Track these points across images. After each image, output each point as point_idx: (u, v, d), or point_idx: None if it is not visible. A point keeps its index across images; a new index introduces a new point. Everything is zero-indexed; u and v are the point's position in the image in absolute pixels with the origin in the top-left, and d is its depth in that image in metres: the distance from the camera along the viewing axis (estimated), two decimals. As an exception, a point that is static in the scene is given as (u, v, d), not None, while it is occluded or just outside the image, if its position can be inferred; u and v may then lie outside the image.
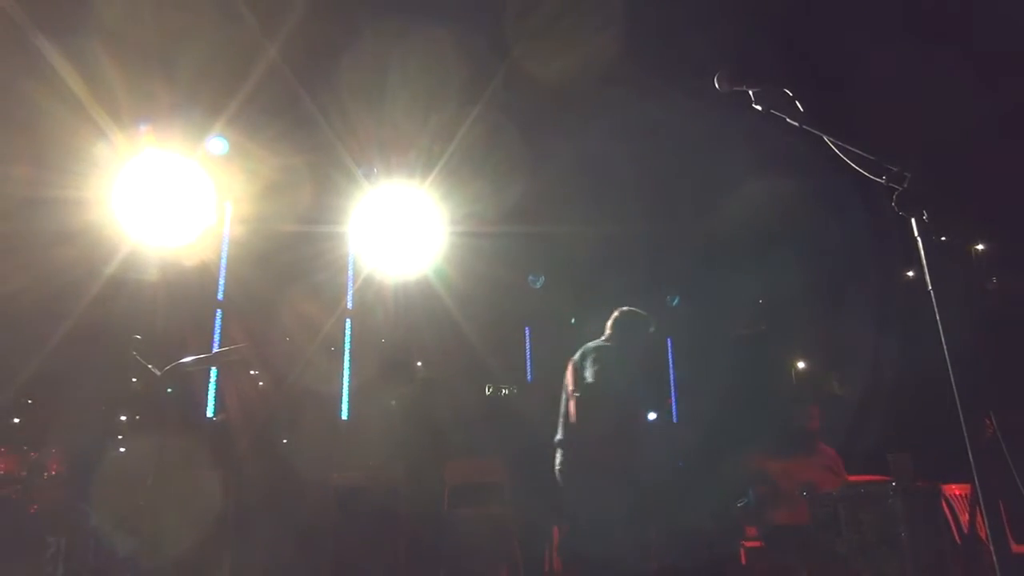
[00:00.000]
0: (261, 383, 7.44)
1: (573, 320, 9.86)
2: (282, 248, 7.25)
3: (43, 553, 5.17)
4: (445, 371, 8.48)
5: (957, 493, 5.53)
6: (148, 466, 5.42)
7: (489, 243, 8.00)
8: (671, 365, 10.62)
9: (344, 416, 7.75)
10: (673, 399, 10.49)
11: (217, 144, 6.60)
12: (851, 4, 6.07)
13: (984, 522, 2.09)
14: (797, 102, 2.41)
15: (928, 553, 4.51)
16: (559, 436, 4.93)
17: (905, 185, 2.19)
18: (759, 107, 2.46)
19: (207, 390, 6.81)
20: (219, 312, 7.10)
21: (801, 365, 12.48)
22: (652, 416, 8.97)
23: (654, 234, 8.77)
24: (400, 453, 6.76)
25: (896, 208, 2.20)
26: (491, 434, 7.90)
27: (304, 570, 5.86)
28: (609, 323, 5.17)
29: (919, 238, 2.19)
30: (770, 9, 5.85)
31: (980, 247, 8.72)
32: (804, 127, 2.39)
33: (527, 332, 9.94)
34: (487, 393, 9.33)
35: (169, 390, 6.57)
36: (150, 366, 4.78)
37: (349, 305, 8.05)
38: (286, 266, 7.32)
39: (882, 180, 2.24)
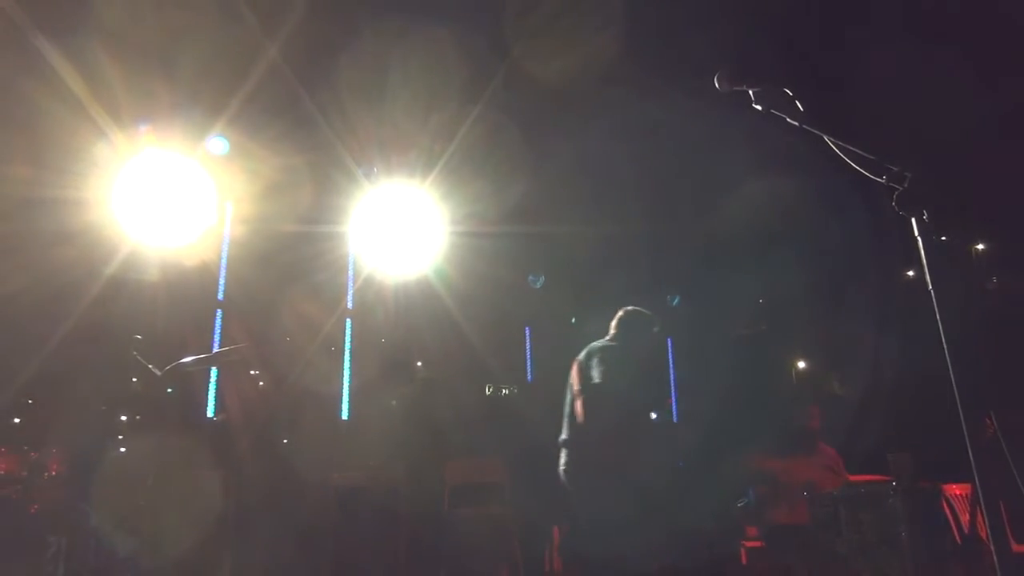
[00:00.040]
0: (261, 383, 7.44)
1: (573, 320, 9.86)
2: (282, 248, 7.25)
3: (44, 553, 5.17)
4: (445, 371, 8.48)
5: (957, 493, 5.53)
6: (148, 466, 5.43)
7: (489, 243, 8.00)
8: (671, 365, 10.62)
9: (344, 416, 7.75)
10: (673, 399, 10.49)
11: (217, 144, 6.61)
12: (851, 4, 6.07)
13: (984, 522, 2.09)
14: (797, 102, 2.41)
15: (928, 553, 4.51)
16: (564, 436, 4.92)
17: (905, 185, 2.19)
18: (759, 107, 2.46)
19: (207, 390, 6.81)
20: (219, 312, 7.10)
21: (801, 365, 12.48)
22: (653, 416, 8.97)
23: (654, 234, 8.77)
24: (400, 453, 6.76)
25: (896, 208, 2.20)
26: (491, 434, 7.90)
27: (304, 570, 5.86)
28: (614, 323, 5.16)
29: (919, 238, 2.19)
30: (770, 9, 5.85)
31: (980, 247, 8.73)
32: (804, 127, 2.39)
33: (527, 332, 9.94)
34: (487, 393, 9.33)
35: (169, 390, 6.60)
36: (150, 366, 4.78)
37: (349, 305, 8.05)
38: (286, 266, 7.32)
39: (882, 180, 2.24)
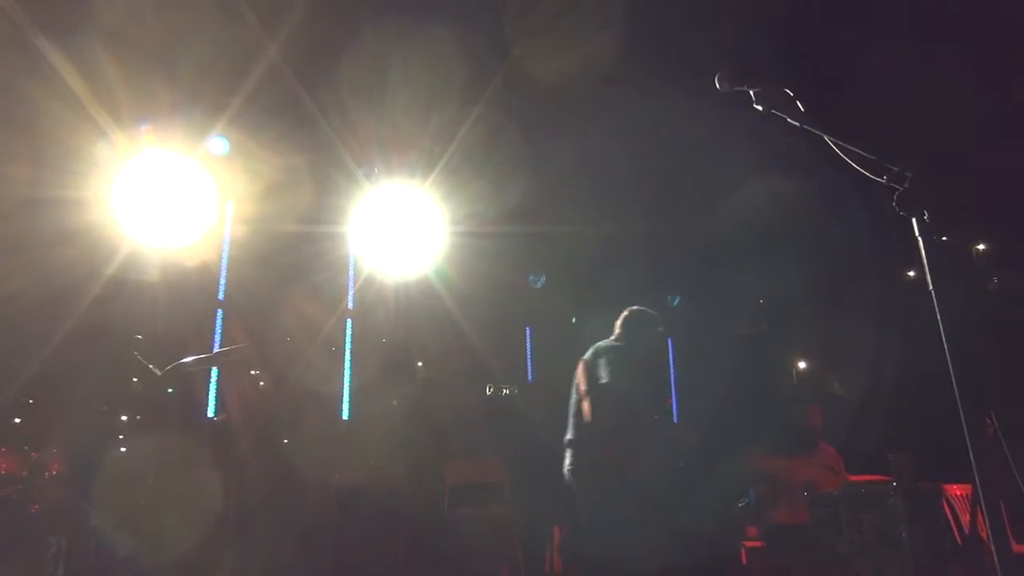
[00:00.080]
0: (262, 383, 7.44)
1: (574, 320, 9.86)
2: (283, 248, 7.25)
3: (44, 553, 5.17)
4: (446, 371, 8.48)
5: (958, 493, 5.52)
6: (149, 466, 5.43)
7: (490, 243, 8.00)
8: (672, 365, 10.62)
9: (345, 416, 7.76)
10: (674, 399, 10.49)
11: (218, 144, 6.61)
12: (851, 4, 6.07)
13: (985, 522, 2.09)
14: (798, 102, 2.41)
15: (929, 553, 4.51)
16: (570, 436, 4.90)
17: (906, 185, 2.19)
18: (760, 107, 2.46)
19: (208, 390, 6.81)
20: (220, 312, 7.10)
21: (802, 365, 12.48)
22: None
23: (655, 234, 8.77)
24: (401, 453, 6.76)
25: (897, 208, 2.20)
26: (492, 434, 7.90)
27: (305, 570, 5.86)
28: (618, 323, 5.15)
29: (920, 238, 2.19)
30: (770, 9, 5.85)
31: (981, 247, 8.73)
32: (805, 127, 2.39)
33: (528, 332, 9.94)
34: (488, 393, 9.33)
35: (170, 390, 6.60)
36: (151, 366, 4.77)
37: (350, 305, 8.06)
38: (287, 266, 7.32)
39: (883, 180, 2.24)
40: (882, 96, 6.32)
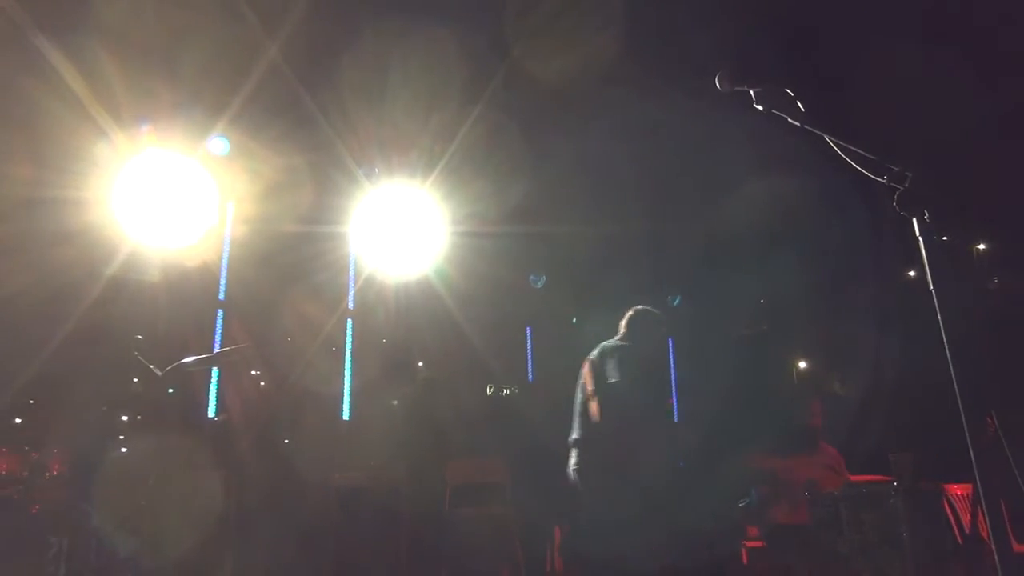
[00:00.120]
0: (262, 383, 7.44)
1: (574, 320, 9.86)
2: (283, 248, 7.25)
3: (45, 553, 5.17)
4: (446, 371, 8.48)
5: (959, 493, 5.52)
6: (150, 466, 5.43)
7: (490, 243, 8.00)
8: (672, 365, 10.61)
9: (345, 416, 7.76)
10: (674, 399, 10.49)
11: (218, 144, 6.60)
12: (852, 4, 6.07)
13: (986, 522, 2.09)
14: (798, 102, 2.41)
15: (929, 553, 4.51)
16: (576, 435, 4.86)
17: (906, 185, 2.19)
18: (760, 107, 2.47)
19: (208, 390, 6.81)
20: (220, 312, 7.10)
21: (803, 365, 12.48)
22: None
23: (655, 234, 8.77)
24: (401, 453, 6.76)
25: (897, 208, 2.20)
26: (492, 434, 7.90)
27: (306, 570, 5.86)
28: (623, 322, 5.13)
29: (920, 238, 2.19)
30: (771, 9, 5.85)
31: (981, 247, 8.73)
32: (805, 127, 2.39)
33: (528, 332, 9.94)
34: (488, 393, 9.33)
35: (170, 390, 6.60)
36: (151, 366, 4.77)
37: (350, 305, 8.05)
38: (287, 266, 7.32)
39: (883, 180, 2.24)
40: (882, 96, 6.32)
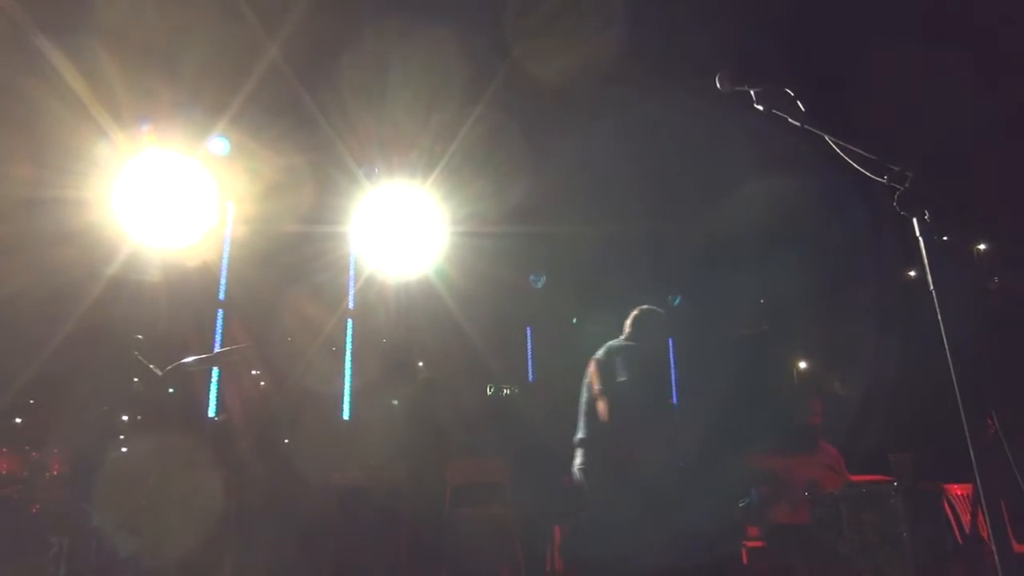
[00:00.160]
0: (263, 383, 7.44)
1: (575, 320, 9.86)
2: (284, 248, 7.25)
3: (45, 553, 5.17)
4: (447, 371, 8.48)
5: (959, 493, 5.52)
6: (150, 466, 5.42)
7: (490, 243, 8.00)
8: (672, 365, 10.61)
9: (346, 416, 7.76)
10: (675, 399, 10.48)
11: (219, 144, 6.61)
12: (853, 4, 6.07)
13: (986, 522, 2.09)
14: (798, 102, 2.41)
15: (930, 553, 4.50)
16: (581, 435, 4.86)
17: (907, 185, 2.19)
18: (760, 107, 2.47)
19: (209, 390, 6.81)
20: (221, 312, 7.10)
21: (803, 365, 12.48)
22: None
23: (656, 234, 8.77)
24: (402, 453, 6.75)
25: (898, 208, 2.20)
26: (493, 434, 7.90)
27: (306, 570, 5.87)
28: (629, 322, 5.12)
29: (921, 238, 2.19)
30: (771, 9, 5.85)
31: (982, 247, 8.73)
32: (805, 127, 2.39)
33: (528, 332, 9.94)
34: (489, 393, 9.33)
35: (171, 390, 6.60)
36: (152, 366, 4.77)
37: (351, 305, 8.06)
38: (288, 266, 7.32)
39: (884, 180, 2.24)
40: (883, 96, 6.32)
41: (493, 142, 7.00)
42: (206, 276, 7.00)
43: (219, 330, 7.04)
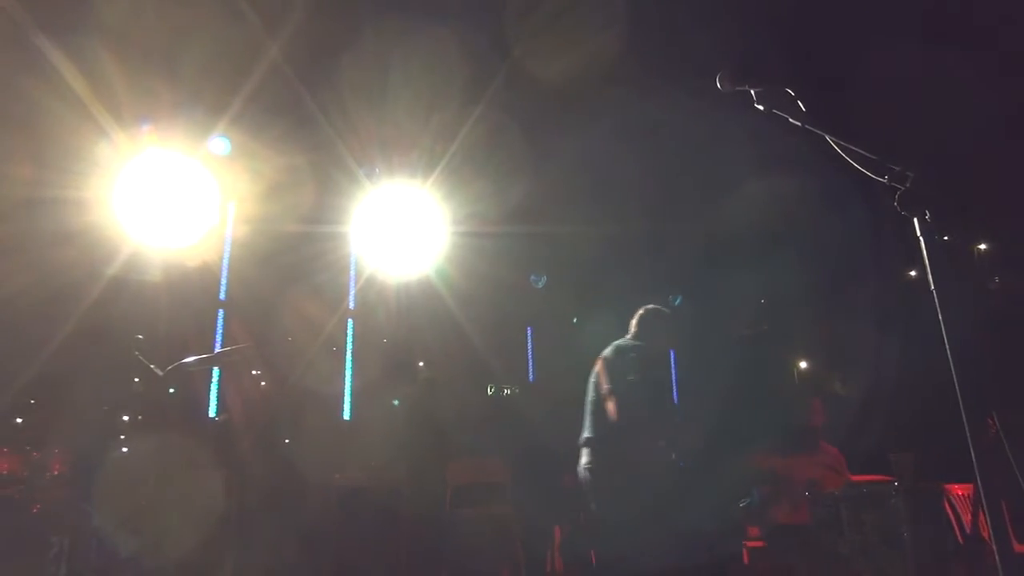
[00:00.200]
0: (263, 383, 7.44)
1: (575, 320, 9.87)
2: (284, 248, 7.25)
3: (46, 553, 5.17)
4: (447, 371, 8.48)
5: (960, 493, 5.52)
6: (150, 466, 5.43)
7: (491, 243, 8.00)
8: (673, 365, 10.61)
9: (346, 416, 7.76)
10: (675, 399, 10.48)
11: (219, 144, 6.61)
12: (853, 4, 6.06)
13: (987, 522, 2.08)
14: (799, 102, 2.41)
15: (930, 553, 4.50)
16: (588, 434, 4.83)
17: (907, 185, 2.19)
18: (761, 107, 2.47)
19: (209, 390, 6.82)
20: (221, 312, 7.11)
21: (803, 365, 12.48)
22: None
23: (656, 234, 8.77)
24: (402, 453, 6.75)
25: (898, 208, 2.20)
26: (493, 434, 7.89)
27: (306, 570, 5.87)
28: (635, 321, 5.11)
29: (921, 238, 2.19)
30: (772, 8, 5.85)
31: (982, 247, 8.73)
32: (806, 127, 2.39)
33: (529, 332, 9.94)
34: (489, 393, 9.34)
35: (171, 390, 6.60)
36: (152, 366, 4.78)
37: (351, 305, 8.06)
38: (288, 266, 7.33)
39: (884, 180, 2.24)
40: (883, 96, 6.32)
41: (494, 142, 7.01)
42: (207, 276, 7.01)
43: (220, 330, 7.05)
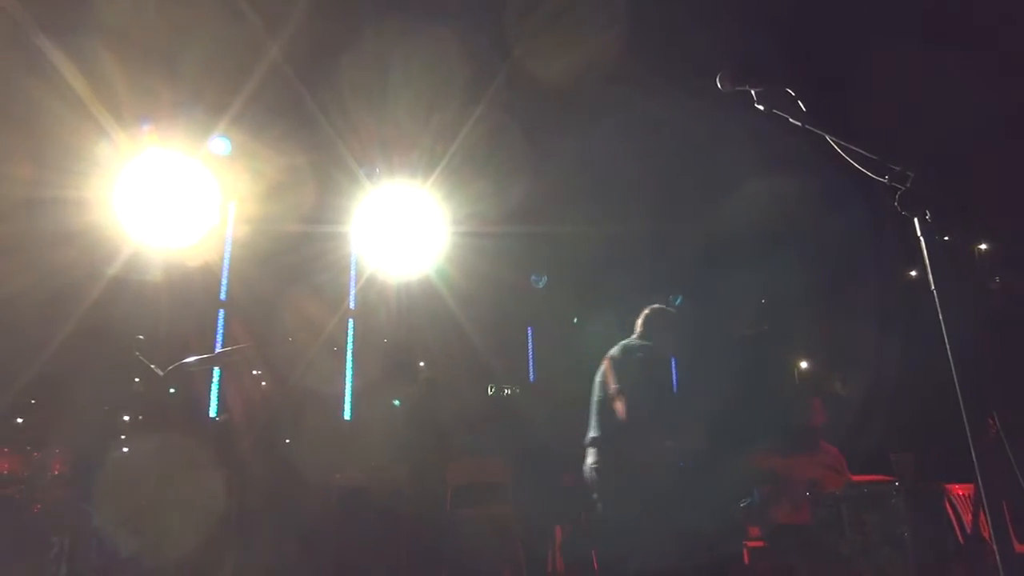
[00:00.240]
0: (264, 383, 7.44)
1: (576, 320, 9.87)
2: (285, 248, 7.25)
3: (46, 553, 5.17)
4: (448, 371, 8.48)
5: (960, 493, 5.51)
6: (151, 466, 5.43)
7: (491, 243, 8.00)
8: (673, 365, 10.61)
9: (347, 416, 7.76)
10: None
11: (220, 144, 6.61)
12: (853, 4, 6.06)
13: (987, 522, 2.08)
14: (799, 102, 2.41)
15: (931, 553, 4.50)
16: (595, 434, 4.81)
17: (908, 185, 2.19)
18: (761, 107, 2.46)
19: (210, 390, 6.82)
20: (222, 312, 7.11)
21: (804, 365, 12.47)
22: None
23: (657, 234, 8.77)
24: (403, 454, 6.75)
25: (899, 208, 2.20)
26: (493, 434, 7.89)
27: (307, 570, 5.87)
28: (640, 321, 5.09)
29: (922, 238, 2.19)
30: (772, 9, 5.85)
31: (983, 247, 8.73)
32: (806, 127, 2.38)
33: (529, 332, 9.94)
34: (490, 393, 9.33)
35: (172, 390, 6.60)
36: (153, 366, 4.78)
37: (352, 305, 8.06)
38: (289, 266, 7.33)
39: (885, 180, 2.23)
40: (884, 96, 6.32)
41: (494, 142, 7.01)
42: (207, 276, 7.01)
43: (220, 330, 7.05)
